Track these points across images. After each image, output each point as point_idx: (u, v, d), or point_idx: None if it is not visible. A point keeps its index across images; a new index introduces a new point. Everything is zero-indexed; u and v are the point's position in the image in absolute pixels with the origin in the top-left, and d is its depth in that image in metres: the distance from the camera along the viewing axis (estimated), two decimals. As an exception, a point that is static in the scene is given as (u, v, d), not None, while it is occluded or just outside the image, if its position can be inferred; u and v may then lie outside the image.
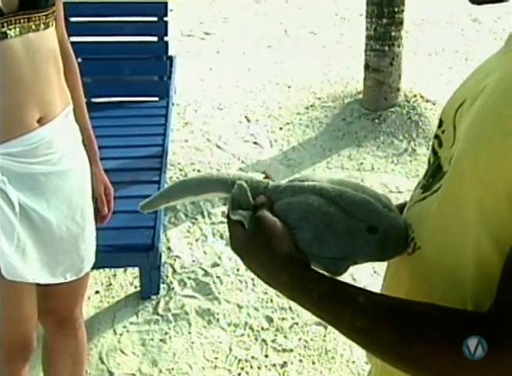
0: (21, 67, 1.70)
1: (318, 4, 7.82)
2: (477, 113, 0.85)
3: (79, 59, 4.65)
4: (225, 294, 3.20)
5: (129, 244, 3.08)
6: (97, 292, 3.27)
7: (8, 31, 1.65)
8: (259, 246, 0.91)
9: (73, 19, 4.62)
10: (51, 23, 1.78)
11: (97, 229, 3.09)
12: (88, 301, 3.20)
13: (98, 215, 2.09)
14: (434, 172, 0.95)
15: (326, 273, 0.91)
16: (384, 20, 4.50)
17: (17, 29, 1.67)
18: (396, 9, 4.50)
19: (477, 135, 0.83)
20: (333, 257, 0.91)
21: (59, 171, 1.83)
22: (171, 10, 7.44)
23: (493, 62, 0.92)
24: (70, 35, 4.67)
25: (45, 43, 1.77)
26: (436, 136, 0.98)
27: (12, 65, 1.68)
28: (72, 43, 4.74)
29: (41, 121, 1.76)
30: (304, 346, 2.87)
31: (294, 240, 0.91)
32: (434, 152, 0.97)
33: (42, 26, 1.74)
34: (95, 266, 3.23)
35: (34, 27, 1.71)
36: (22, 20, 1.68)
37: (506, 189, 0.77)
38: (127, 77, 4.73)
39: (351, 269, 0.94)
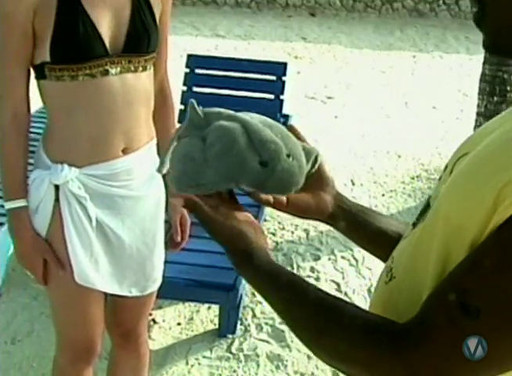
0: (115, 102, 1.93)
1: (442, 79, 7.92)
2: (465, 164, 0.93)
3: (201, 108, 5.04)
4: (297, 343, 3.30)
5: (212, 281, 3.25)
6: (179, 324, 3.46)
7: (110, 69, 1.89)
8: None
9: (198, 70, 4.97)
10: (149, 67, 2.00)
11: (186, 264, 3.35)
12: (169, 331, 3.40)
13: (171, 242, 2.27)
14: (423, 210, 1.03)
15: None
16: (495, 98, 4.54)
17: (118, 68, 1.90)
18: (509, 88, 4.53)
19: (458, 181, 0.92)
20: (224, 172, 1.06)
21: (135, 196, 2.04)
22: (298, 72, 7.79)
23: (500, 118, 0.99)
24: (194, 85, 5.03)
25: (141, 83, 1.98)
26: (440, 178, 1.08)
27: (107, 99, 1.91)
28: (195, 93, 5.11)
29: (125, 151, 1.98)
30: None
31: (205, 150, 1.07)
32: None
33: (140, 68, 1.96)
34: (179, 298, 3.50)
35: (133, 68, 1.94)
36: (123, 62, 1.91)
37: (471, 239, 0.84)
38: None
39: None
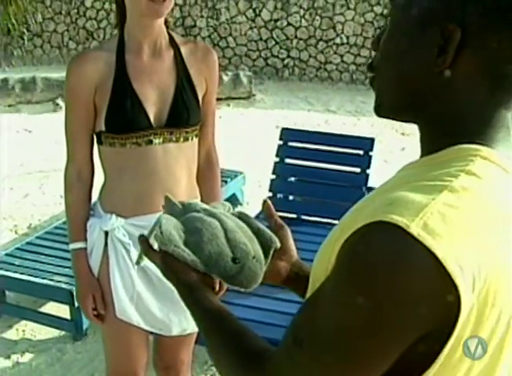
0: (157, 166, 2.24)
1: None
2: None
3: (292, 179, 5.35)
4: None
5: (263, 337, 3.46)
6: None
7: (153, 140, 2.22)
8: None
9: (291, 143, 5.31)
10: (190, 138, 2.29)
11: (241, 319, 3.56)
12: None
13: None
14: None
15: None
16: None
17: (161, 139, 2.22)
18: None
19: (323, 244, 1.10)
20: (200, 258, 1.28)
21: (173, 246, 2.34)
22: (403, 149, 7.96)
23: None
24: (286, 157, 5.32)
25: (182, 153, 2.28)
26: None
27: (150, 163, 2.23)
28: (287, 164, 5.40)
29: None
30: None
31: (185, 240, 1.28)
32: None
33: (182, 139, 2.26)
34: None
35: (174, 139, 2.25)
36: (165, 133, 2.23)
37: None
38: (329, 201, 5.20)
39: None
